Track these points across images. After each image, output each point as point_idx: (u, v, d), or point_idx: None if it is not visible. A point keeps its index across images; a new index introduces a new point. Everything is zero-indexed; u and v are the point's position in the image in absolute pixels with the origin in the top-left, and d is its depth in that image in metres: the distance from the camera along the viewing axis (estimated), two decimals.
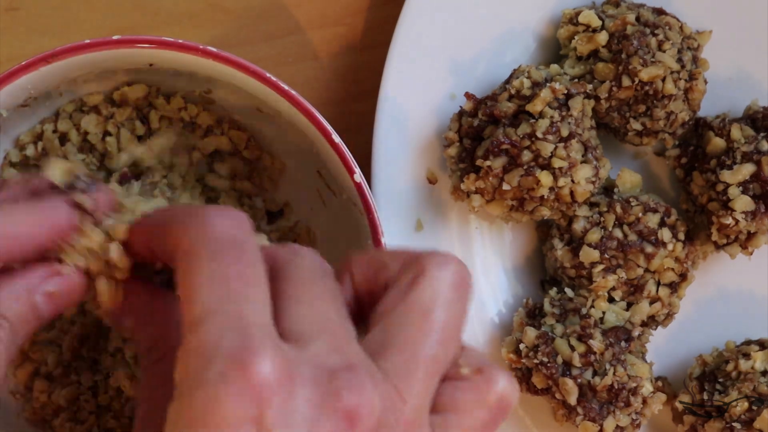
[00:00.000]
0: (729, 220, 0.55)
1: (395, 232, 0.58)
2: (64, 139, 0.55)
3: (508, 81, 0.55)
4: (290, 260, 0.41)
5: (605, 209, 0.57)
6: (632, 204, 0.56)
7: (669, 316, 0.58)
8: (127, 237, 0.42)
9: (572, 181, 0.54)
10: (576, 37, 0.56)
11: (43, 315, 0.41)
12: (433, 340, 0.39)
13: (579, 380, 0.54)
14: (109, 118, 0.55)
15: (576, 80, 0.56)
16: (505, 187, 0.53)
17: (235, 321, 0.36)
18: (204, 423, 0.34)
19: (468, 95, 0.56)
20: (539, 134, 0.53)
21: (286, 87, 0.50)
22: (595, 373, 0.54)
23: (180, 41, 0.49)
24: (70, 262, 0.41)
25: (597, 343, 0.54)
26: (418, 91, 0.58)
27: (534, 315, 0.57)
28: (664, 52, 0.54)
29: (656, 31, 0.55)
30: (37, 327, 0.42)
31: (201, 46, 0.49)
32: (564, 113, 0.54)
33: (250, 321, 0.36)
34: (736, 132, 0.56)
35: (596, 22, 0.56)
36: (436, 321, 0.39)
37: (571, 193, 0.54)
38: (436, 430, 0.40)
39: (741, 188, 0.55)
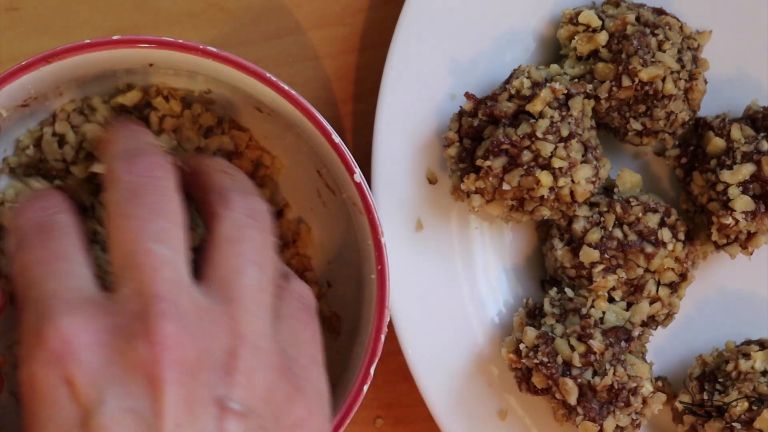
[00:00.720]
0: (729, 220, 0.55)
1: (395, 232, 0.58)
2: (62, 141, 0.55)
3: (508, 81, 0.55)
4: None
5: (605, 209, 0.57)
6: (632, 204, 0.56)
7: (669, 316, 0.58)
8: None
9: (572, 181, 0.54)
10: (576, 37, 0.56)
11: None
12: (244, 261, 0.41)
13: (579, 380, 0.54)
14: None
15: (576, 80, 0.56)
16: (505, 187, 0.53)
17: (36, 303, 0.39)
18: (29, 395, 0.37)
19: (468, 95, 0.56)
20: (539, 134, 0.53)
21: (286, 87, 0.50)
22: (595, 373, 0.54)
23: (180, 41, 0.49)
24: None
25: (597, 343, 0.54)
26: (418, 91, 0.58)
27: (534, 315, 0.57)
28: (664, 52, 0.54)
29: (656, 31, 0.55)
30: None
31: (201, 46, 0.49)
32: (564, 113, 0.54)
33: (47, 295, 0.39)
34: (736, 132, 0.56)
35: (596, 22, 0.56)
36: (239, 245, 0.42)
37: (571, 193, 0.54)
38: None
39: (741, 188, 0.55)
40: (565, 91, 0.54)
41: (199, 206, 0.47)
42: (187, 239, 0.42)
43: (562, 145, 0.53)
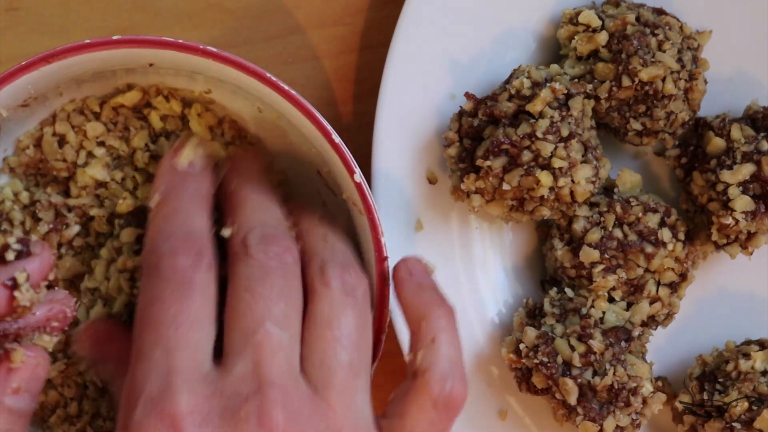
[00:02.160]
0: (729, 220, 0.55)
1: (395, 232, 0.58)
2: (63, 140, 0.55)
3: (508, 81, 0.55)
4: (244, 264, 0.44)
5: (605, 209, 0.57)
6: (632, 204, 0.56)
7: (669, 316, 0.58)
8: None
9: (572, 181, 0.54)
10: (576, 37, 0.56)
11: (23, 409, 0.42)
12: (340, 346, 0.42)
13: (579, 380, 0.54)
14: (114, 124, 0.55)
15: (576, 80, 0.56)
16: (505, 187, 0.53)
17: (160, 366, 0.40)
18: None
19: (468, 95, 0.56)
20: (539, 134, 0.53)
21: (286, 87, 0.50)
22: (595, 373, 0.54)
23: (180, 41, 0.49)
24: (23, 343, 0.42)
25: (597, 343, 0.54)
26: (418, 91, 0.58)
27: (534, 315, 0.57)
28: (664, 52, 0.54)
29: (656, 31, 0.55)
30: (28, 417, 0.43)
31: (201, 46, 0.49)
32: (564, 113, 0.54)
33: (175, 364, 0.40)
34: (736, 132, 0.56)
35: (596, 22, 0.56)
36: (337, 329, 0.43)
37: (571, 193, 0.54)
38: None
39: (741, 188, 0.55)
40: (565, 91, 0.54)
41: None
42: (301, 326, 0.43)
43: (562, 145, 0.53)
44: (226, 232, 0.46)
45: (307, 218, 0.49)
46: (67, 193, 0.55)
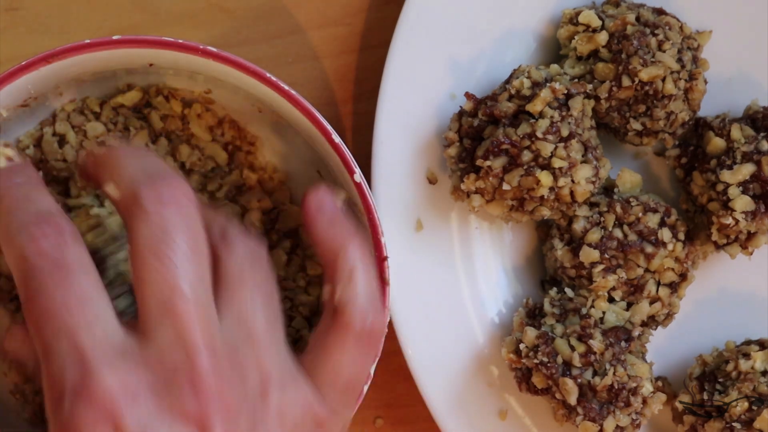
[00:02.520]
0: (729, 220, 0.55)
1: (395, 232, 0.58)
2: (63, 140, 0.55)
3: (508, 81, 0.55)
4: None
5: (605, 209, 0.57)
6: (632, 204, 0.56)
7: (669, 316, 0.58)
8: None
9: (572, 181, 0.54)
10: (576, 37, 0.56)
11: None
12: (255, 301, 0.42)
13: (579, 380, 0.54)
14: (114, 124, 0.55)
15: (576, 80, 0.56)
16: (505, 187, 0.53)
17: (70, 353, 0.38)
18: None
19: (468, 95, 0.56)
20: (539, 134, 0.53)
21: (286, 87, 0.50)
22: (595, 373, 0.54)
23: (180, 41, 0.49)
24: None
25: (597, 343, 0.54)
26: (418, 91, 0.58)
27: (534, 315, 0.57)
28: (664, 52, 0.54)
29: (656, 31, 0.55)
30: None
31: (201, 46, 0.49)
32: (564, 113, 0.54)
33: (83, 346, 0.39)
34: (736, 132, 0.56)
35: (596, 22, 0.56)
36: (250, 287, 0.43)
37: (571, 193, 0.54)
38: (309, 372, 0.43)
39: (741, 188, 0.55)
40: (565, 91, 0.54)
41: None
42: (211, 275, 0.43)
43: (562, 145, 0.53)
44: (109, 189, 0.43)
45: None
46: (67, 194, 0.55)
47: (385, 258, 0.50)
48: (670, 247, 0.56)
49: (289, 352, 0.44)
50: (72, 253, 0.41)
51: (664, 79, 0.54)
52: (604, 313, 0.56)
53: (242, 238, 0.44)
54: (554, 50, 0.59)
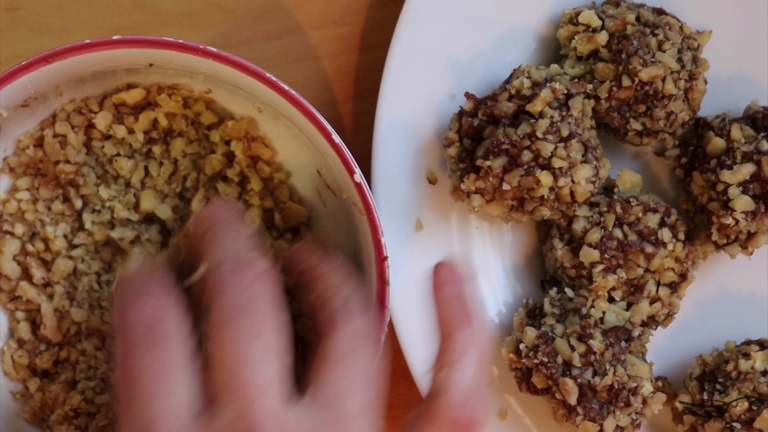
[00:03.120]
0: (729, 220, 0.55)
1: (395, 232, 0.58)
2: (64, 141, 0.55)
3: (508, 81, 0.55)
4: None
5: (605, 209, 0.57)
6: (632, 204, 0.56)
7: (669, 316, 0.58)
8: None
9: (572, 181, 0.54)
10: (576, 37, 0.56)
11: None
12: (351, 380, 0.42)
13: (579, 380, 0.54)
14: (119, 122, 0.55)
15: (576, 80, 0.56)
16: (505, 187, 0.53)
17: (141, 419, 0.39)
18: None
19: (468, 95, 0.56)
20: (539, 134, 0.53)
21: (286, 87, 0.50)
22: (595, 373, 0.54)
23: (180, 41, 0.49)
24: None
25: (597, 343, 0.54)
26: (418, 91, 0.58)
27: (534, 315, 0.57)
28: (664, 52, 0.54)
29: (656, 31, 0.55)
30: None
31: (201, 46, 0.49)
32: (564, 113, 0.54)
33: (153, 418, 0.39)
34: (736, 132, 0.56)
35: (596, 22, 0.56)
36: (352, 364, 0.42)
37: (571, 193, 0.54)
38: None
39: (741, 188, 0.55)
40: (565, 91, 0.54)
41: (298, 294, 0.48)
42: (289, 354, 0.42)
43: (562, 145, 0.53)
44: (200, 270, 0.44)
45: (316, 256, 0.48)
46: (66, 195, 0.55)
47: (385, 258, 0.50)
48: (670, 247, 0.56)
49: None
50: (167, 326, 0.41)
51: (664, 79, 0.54)
52: (604, 313, 0.56)
53: (357, 314, 0.44)
54: (554, 50, 0.59)
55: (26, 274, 0.55)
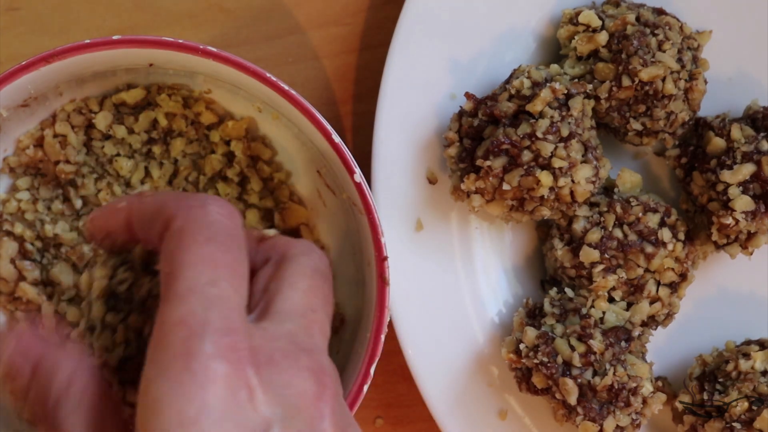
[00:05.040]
0: (729, 220, 0.55)
1: (395, 232, 0.58)
2: (64, 141, 0.55)
3: (508, 81, 0.55)
4: (300, 255, 0.44)
5: (605, 209, 0.57)
6: (632, 204, 0.56)
7: (669, 316, 0.58)
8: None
9: (572, 181, 0.54)
10: (576, 37, 0.56)
11: None
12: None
13: (579, 380, 0.54)
14: (120, 122, 0.55)
15: (576, 80, 0.56)
16: (505, 187, 0.53)
17: (218, 303, 0.38)
18: (203, 384, 0.37)
19: (468, 95, 0.56)
20: (539, 134, 0.53)
21: (286, 87, 0.50)
22: (595, 373, 0.54)
23: (180, 41, 0.49)
24: None
25: (597, 343, 0.54)
26: (418, 91, 0.58)
27: (534, 315, 0.57)
28: (664, 52, 0.54)
29: (656, 31, 0.55)
30: None
31: (201, 46, 0.49)
32: (564, 113, 0.54)
33: (232, 305, 0.39)
34: (736, 132, 0.56)
35: (596, 22, 0.56)
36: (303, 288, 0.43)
37: (571, 193, 0.54)
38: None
39: (741, 188, 0.55)
40: (565, 91, 0.54)
41: None
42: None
43: (562, 145, 0.53)
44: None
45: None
46: (66, 195, 0.55)
47: (385, 258, 0.50)
48: (670, 247, 0.56)
49: None
50: (241, 234, 0.41)
51: (664, 79, 0.54)
52: (604, 313, 0.56)
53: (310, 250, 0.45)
54: (554, 50, 0.59)
55: (24, 276, 0.55)
